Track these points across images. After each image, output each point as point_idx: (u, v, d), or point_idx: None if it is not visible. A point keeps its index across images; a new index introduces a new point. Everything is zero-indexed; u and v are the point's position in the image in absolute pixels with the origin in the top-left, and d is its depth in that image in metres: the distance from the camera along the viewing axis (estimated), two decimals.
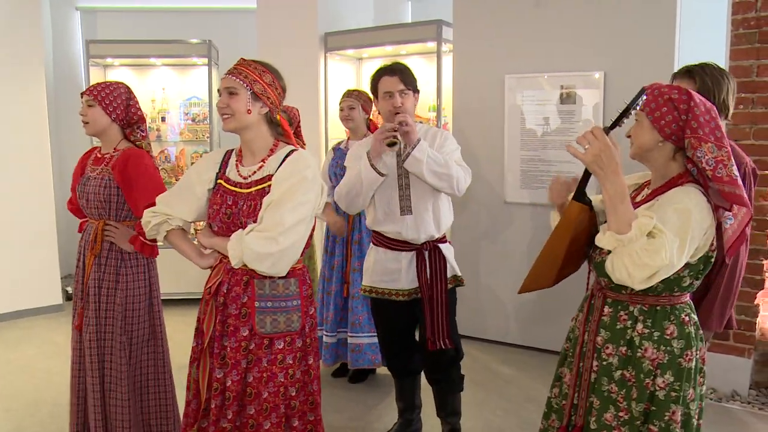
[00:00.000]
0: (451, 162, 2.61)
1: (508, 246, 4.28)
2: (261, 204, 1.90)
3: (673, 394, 1.68)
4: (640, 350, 1.69)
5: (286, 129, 2.08)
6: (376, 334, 3.49)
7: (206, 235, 2.00)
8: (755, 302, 3.47)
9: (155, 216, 2.08)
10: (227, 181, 2.01)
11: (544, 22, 4.00)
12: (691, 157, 1.65)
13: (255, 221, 1.90)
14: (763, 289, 3.46)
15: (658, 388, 1.68)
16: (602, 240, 1.66)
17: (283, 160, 1.95)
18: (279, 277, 1.94)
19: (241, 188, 1.97)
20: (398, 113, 2.58)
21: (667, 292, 1.69)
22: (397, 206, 2.68)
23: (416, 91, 2.73)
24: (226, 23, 6.03)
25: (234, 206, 1.95)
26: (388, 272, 2.76)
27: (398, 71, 2.66)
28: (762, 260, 3.44)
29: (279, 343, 1.95)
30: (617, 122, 1.70)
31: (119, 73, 5.71)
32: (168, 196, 2.12)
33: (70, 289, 5.55)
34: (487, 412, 3.31)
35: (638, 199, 1.82)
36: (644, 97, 1.68)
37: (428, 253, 2.72)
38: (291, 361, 1.96)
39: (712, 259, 1.70)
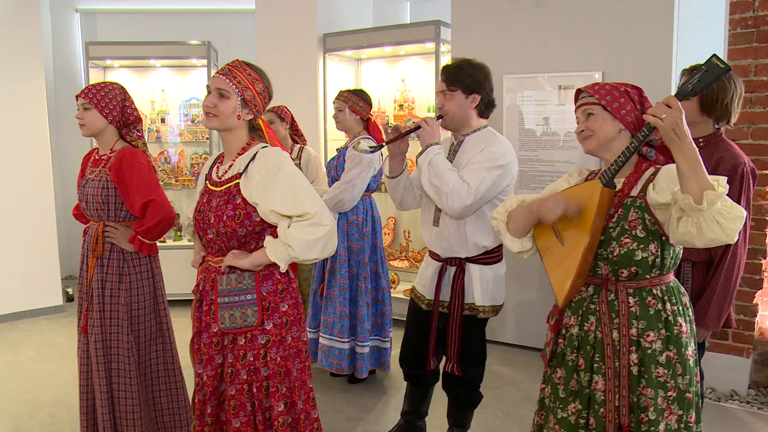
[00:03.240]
0: (450, 175, 2.37)
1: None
2: (225, 201, 1.93)
3: (694, 358, 1.82)
4: (676, 327, 1.78)
5: (267, 132, 2.11)
6: (343, 340, 3.48)
7: (239, 257, 1.95)
8: (754, 302, 3.47)
9: (187, 220, 2.21)
10: (210, 180, 2.07)
11: (542, 23, 4.00)
12: (659, 141, 1.81)
13: (218, 219, 1.92)
14: (761, 288, 3.46)
15: (687, 357, 1.79)
16: (703, 202, 1.59)
17: (251, 160, 1.96)
18: (238, 271, 1.96)
19: (216, 186, 2.02)
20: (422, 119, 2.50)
21: (673, 269, 1.82)
22: (432, 213, 2.61)
23: (468, 90, 2.48)
24: (225, 24, 6.04)
25: (207, 203, 2.00)
26: (422, 277, 2.70)
27: (444, 71, 2.53)
28: (761, 260, 3.44)
29: (241, 339, 1.96)
30: (694, 92, 1.63)
31: (119, 74, 5.72)
32: None
33: (70, 291, 5.57)
34: (487, 413, 3.31)
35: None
36: (724, 68, 1.59)
37: (454, 270, 2.56)
38: (252, 358, 1.96)
39: None
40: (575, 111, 1.90)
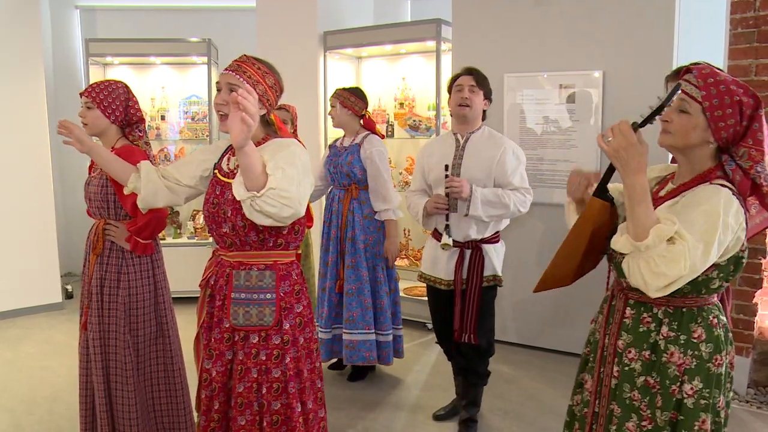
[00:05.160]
0: (506, 196, 2.80)
1: (507, 244, 4.27)
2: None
3: (703, 401, 1.58)
4: (665, 355, 1.59)
5: (280, 126, 2.08)
6: (370, 331, 3.54)
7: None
8: (753, 301, 3.47)
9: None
10: (220, 171, 2.03)
11: (543, 22, 4.00)
12: (747, 169, 1.54)
13: (236, 212, 1.87)
14: (761, 288, 3.46)
15: (686, 395, 1.58)
16: (617, 243, 1.55)
17: None
18: (256, 269, 1.94)
19: (228, 178, 1.98)
20: (447, 179, 2.80)
21: (694, 294, 1.59)
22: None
23: (487, 95, 2.92)
24: (225, 22, 6.03)
25: (221, 196, 1.95)
26: (434, 260, 2.97)
27: (473, 72, 2.91)
28: (761, 259, 3.44)
29: (254, 337, 1.93)
30: (648, 120, 1.56)
31: (119, 71, 5.71)
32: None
33: (69, 288, 5.56)
34: (487, 411, 3.32)
35: (662, 193, 1.69)
36: (680, 93, 1.55)
37: (469, 252, 2.88)
38: (264, 358, 1.93)
39: (744, 260, 1.60)
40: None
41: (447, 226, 2.86)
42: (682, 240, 1.45)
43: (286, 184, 1.73)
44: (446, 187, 2.81)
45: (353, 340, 3.53)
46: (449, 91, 2.96)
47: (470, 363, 3.00)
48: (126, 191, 2.23)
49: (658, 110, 1.54)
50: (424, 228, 3.05)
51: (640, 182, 1.49)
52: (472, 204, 2.78)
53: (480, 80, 2.89)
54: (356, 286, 3.53)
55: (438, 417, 3.22)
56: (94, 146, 2.28)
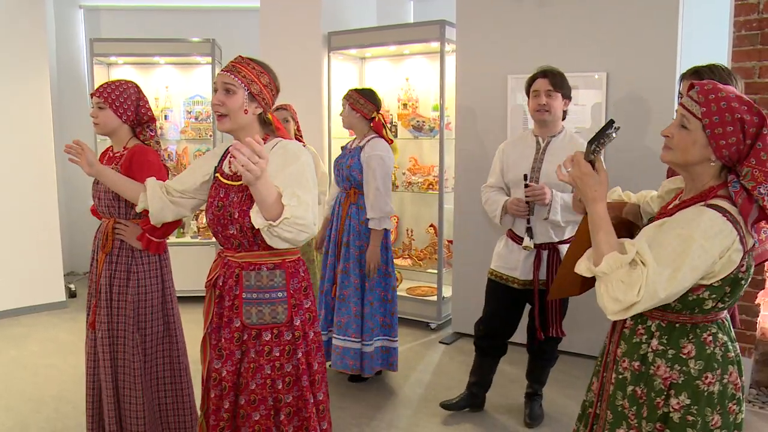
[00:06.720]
0: None
1: None
2: (249, 196, 1.91)
3: (690, 417, 1.56)
4: (652, 367, 1.60)
5: (278, 126, 2.11)
6: (356, 340, 3.49)
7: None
8: (755, 302, 3.49)
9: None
10: (222, 174, 2.06)
11: (546, 23, 4.02)
12: (749, 189, 1.47)
13: (243, 214, 1.90)
14: (763, 289, 3.48)
15: (672, 409, 1.58)
16: (580, 266, 1.59)
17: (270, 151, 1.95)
18: (265, 269, 1.97)
19: (231, 180, 2.01)
20: (526, 188, 2.84)
21: (687, 312, 1.57)
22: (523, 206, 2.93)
23: (566, 96, 2.91)
24: (229, 22, 6.05)
25: (225, 199, 1.98)
26: (509, 261, 3.04)
27: (549, 74, 2.88)
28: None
29: (266, 334, 1.96)
30: (590, 151, 1.59)
31: (123, 71, 5.72)
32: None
33: (73, 287, 5.58)
34: (491, 410, 3.33)
35: (670, 207, 1.67)
36: (615, 126, 1.59)
37: (546, 253, 2.95)
38: (278, 354, 1.97)
39: (743, 281, 1.55)
40: (679, 103, 1.61)
41: (529, 229, 2.91)
42: (643, 266, 1.46)
43: (302, 211, 1.80)
44: (526, 196, 2.85)
45: (340, 346, 3.51)
46: (527, 93, 2.97)
47: (547, 350, 3.19)
48: (138, 210, 2.31)
49: (595, 141, 1.59)
50: (500, 224, 3.08)
51: (597, 212, 1.55)
52: (552, 209, 2.83)
53: (556, 83, 2.88)
54: (347, 293, 3.49)
55: (446, 406, 3.27)
56: (102, 169, 2.34)
